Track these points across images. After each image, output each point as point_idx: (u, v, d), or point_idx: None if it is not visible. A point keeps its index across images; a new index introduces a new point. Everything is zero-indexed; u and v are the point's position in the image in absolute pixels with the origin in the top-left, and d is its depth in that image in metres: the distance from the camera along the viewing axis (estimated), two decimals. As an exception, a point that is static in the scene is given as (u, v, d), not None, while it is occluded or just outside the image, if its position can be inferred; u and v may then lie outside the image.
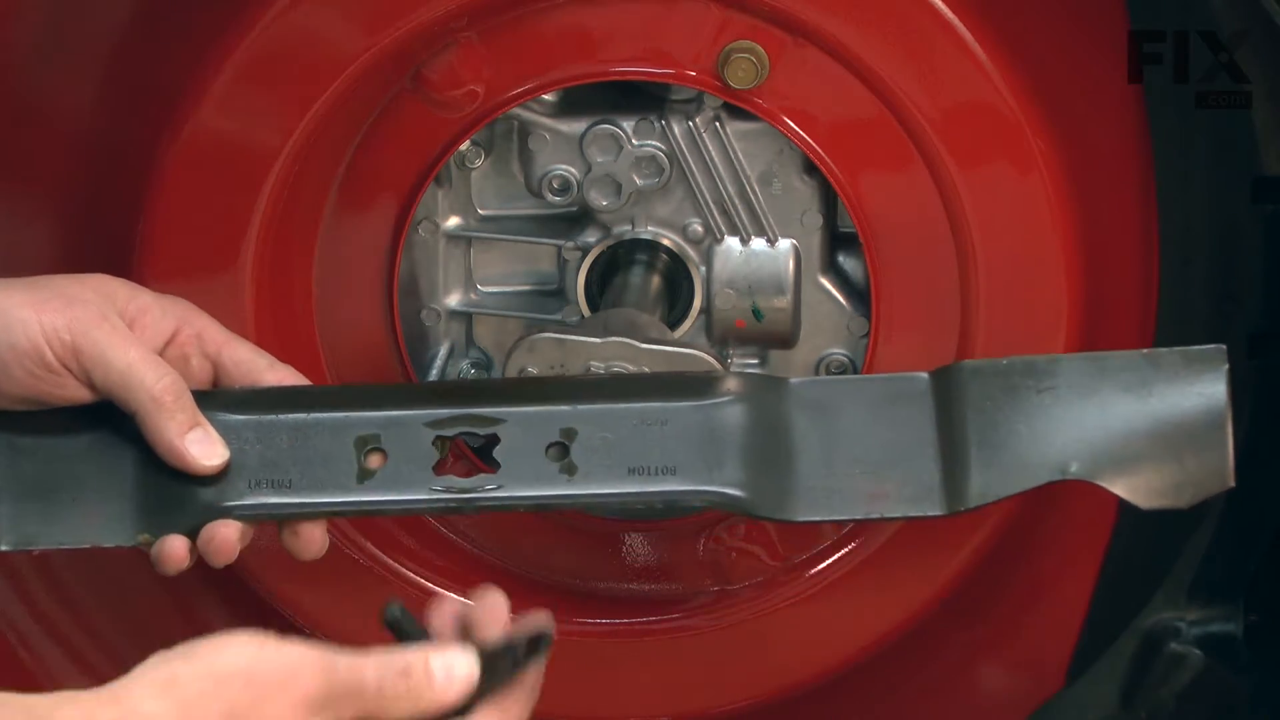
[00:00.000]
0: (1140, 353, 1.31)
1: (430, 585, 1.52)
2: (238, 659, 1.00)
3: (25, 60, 1.42)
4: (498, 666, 1.09)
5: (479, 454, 1.33)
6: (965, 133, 1.38)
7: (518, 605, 1.53)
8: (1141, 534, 1.49)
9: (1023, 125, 1.38)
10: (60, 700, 0.96)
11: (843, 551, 1.52)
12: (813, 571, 1.52)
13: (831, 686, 1.55)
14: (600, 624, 1.54)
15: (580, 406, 1.29)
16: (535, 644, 1.11)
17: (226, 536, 1.24)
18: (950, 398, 1.30)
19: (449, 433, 1.28)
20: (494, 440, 1.28)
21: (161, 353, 1.26)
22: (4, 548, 1.27)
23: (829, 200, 1.50)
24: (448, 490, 1.28)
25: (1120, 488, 1.30)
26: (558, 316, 1.54)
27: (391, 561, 1.52)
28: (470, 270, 1.55)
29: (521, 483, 1.28)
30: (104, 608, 1.55)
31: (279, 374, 1.29)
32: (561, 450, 1.28)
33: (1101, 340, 1.44)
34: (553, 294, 1.55)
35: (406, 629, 1.10)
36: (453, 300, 1.55)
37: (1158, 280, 1.44)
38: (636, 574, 1.56)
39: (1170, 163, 1.40)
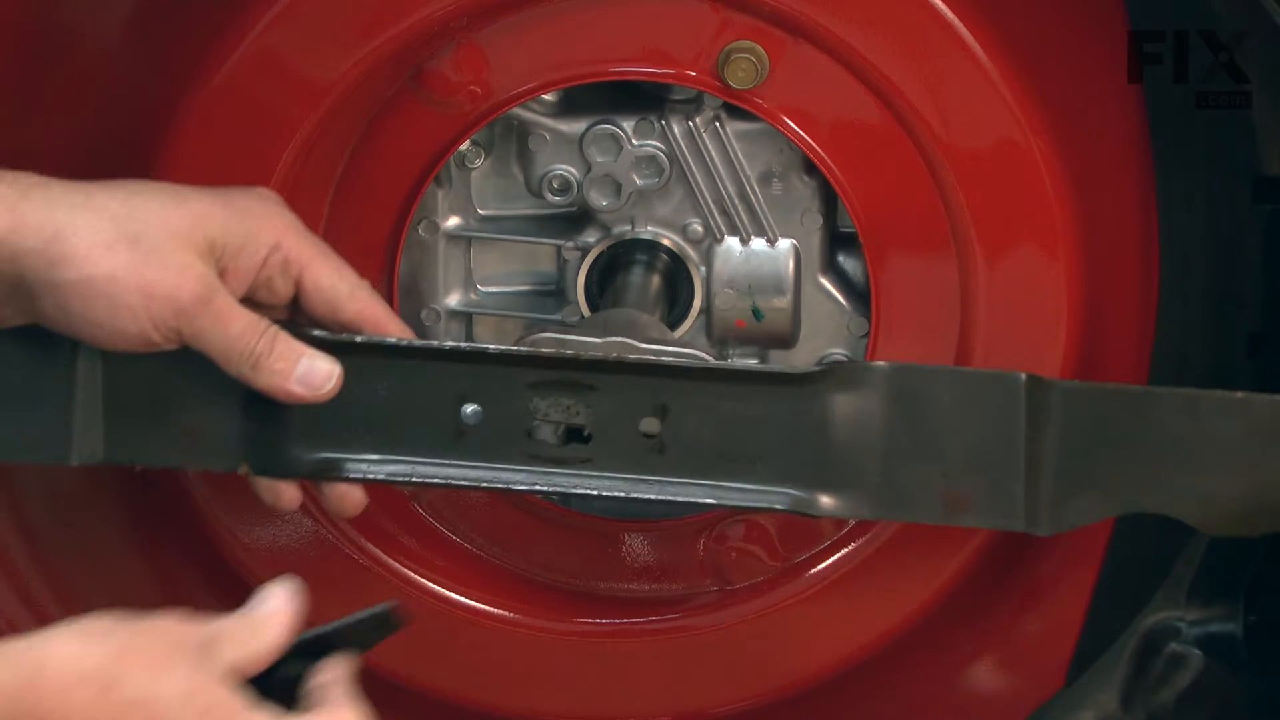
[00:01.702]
0: (1235, 397, 1.33)
1: (430, 585, 1.52)
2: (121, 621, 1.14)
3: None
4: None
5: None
6: (965, 132, 1.38)
7: (518, 605, 1.54)
8: (1141, 534, 1.49)
9: (1023, 125, 1.38)
10: None
11: (843, 551, 1.52)
12: (813, 571, 1.52)
13: (831, 686, 1.55)
14: (600, 624, 1.54)
15: (678, 381, 1.31)
16: (381, 623, 1.22)
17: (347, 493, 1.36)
18: (1043, 413, 1.32)
19: (547, 396, 1.30)
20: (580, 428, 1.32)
21: (251, 283, 1.30)
22: (98, 459, 1.30)
23: (829, 200, 1.50)
24: (539, 458, 1.31)
25: (1193, 520, 1.35)
26: (558, 316, 1.54)
27: (392, 561, 1.52)
28: (470, 270, 1.55)
29: (612, 457, 1.31)
30: (104, 606, 1.55)
31: (358, 304, 1.32)
32: (655, 425, 1.31)
33: (1101, 340, 1.44)
34: (553, 294, 1.55)
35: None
36: (453, 300, 1.55)
37: (1158, 280, 1.44)
38: (637, 574, 1.56)
39: (1170, 163, 1.40)
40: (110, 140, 1.40)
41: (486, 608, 1.53)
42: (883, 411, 1.32)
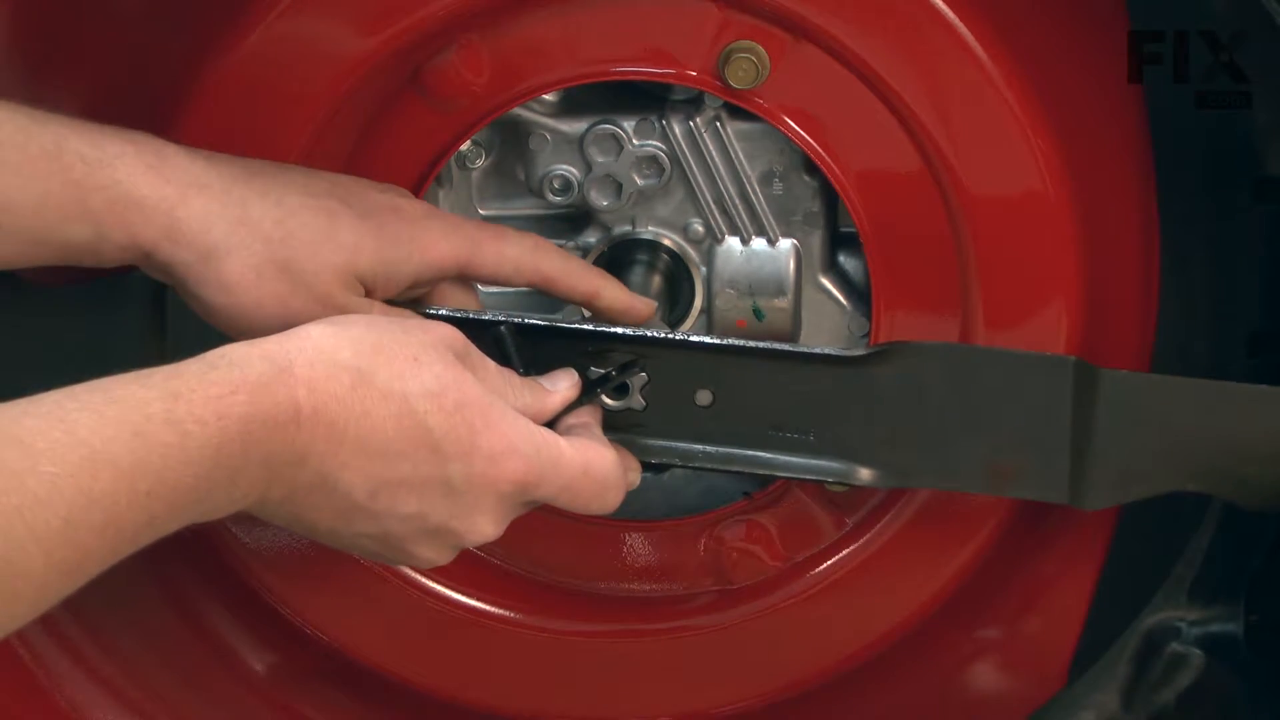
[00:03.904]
0: (1266, 390, 1.36)
1: (431, 585, 1.52)
2: (375, 320, 1.18)
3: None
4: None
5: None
6: (965, 132, 1.38)
7: (518, 605, 1.54)
8: (1141, 534, 1.49)
9: (1023, 125, 1.38)
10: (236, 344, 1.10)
11: (843, 552, 1.52)
12: (813, 571, 1.52)
13: (831, 686, 1.55)
14: (601, 624, 1.54)
15: (732, 357, 1.34)
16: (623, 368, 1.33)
17: None
18: (1089, 395, 1.35)
19: (601, 363, 1.33)
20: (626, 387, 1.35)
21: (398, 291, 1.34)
22: None
23: (829, 200, 1.50)
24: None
25: (1235, 500, 1.39)
26: (558, 316, 1.54)
27: (392, 561, 1.52)
28: (471, 270, 1.55)
29: (664, 422, 1.35)
30: (104, 606, 1.55)
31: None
32: (707, 396, 1.35)
33: (1102, 341, 1.44)
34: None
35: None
36: (453, 300, 1.55)
37: (1158, 280, 1.44)
38: (637, 574, 1.56)
39: (1170, 163, 1.40)
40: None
41: (486, 608, 1.53)
42: (933, 388, 1.35)
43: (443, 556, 1.20)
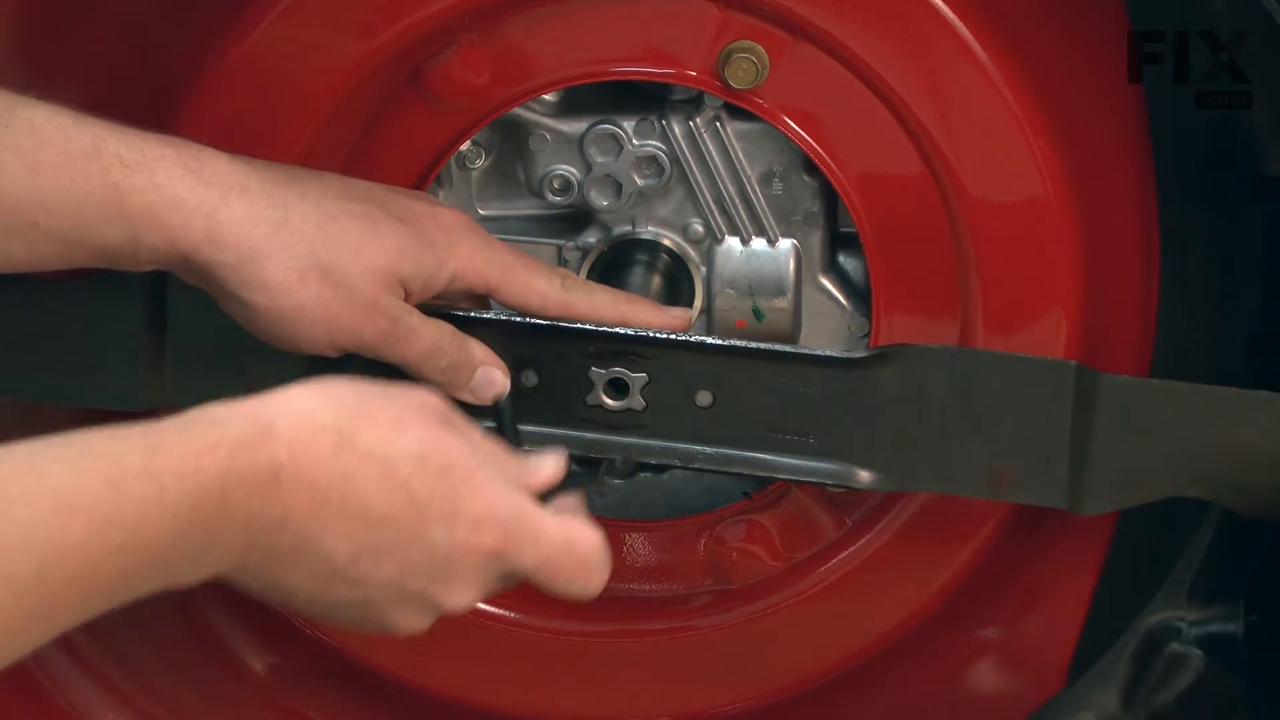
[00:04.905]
0: (1266, 396, 1.36)
1: (430, 585, 1.52)
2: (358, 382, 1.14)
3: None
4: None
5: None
6: (965, 132, 1.38)
7: (518, 605, 1.54)
8: (1141, 534, 1.49)
9: (1023, 125, 1.38)
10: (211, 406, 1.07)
11: (843, 552, 1.52)
12: (813, 572, 1.52)
13: (831, 686, 1.55)
14: (601, 624, 1.54)
15: (733, 358, 1.35)
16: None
17: None
18: (1090, 400, 1.34)
19: (604, 366, 1.34)
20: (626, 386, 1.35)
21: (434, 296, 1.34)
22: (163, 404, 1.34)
23: (829, 200, 1.50)
24: (594, 423, 1.35)
25: (1234, 507, 1.39)
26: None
27: (392, 561, 1.51)
28: (471, 270, 1.55)
29: (665, 424, 1.35)
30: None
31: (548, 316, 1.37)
32: (708, 397, 1.35)
33: (1102, 341, 1.44)
34: (553, 294, 1.55)
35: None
36: (453, 300, 1.55)
37: (1158, 280, 1.44)
38: (637, 574, 1.56)
39: (1170, 163, 1.40)
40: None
41: (487, 607, 1.53)
42: (934, 392, 1.35)
43: (420, 623, 1.16)
